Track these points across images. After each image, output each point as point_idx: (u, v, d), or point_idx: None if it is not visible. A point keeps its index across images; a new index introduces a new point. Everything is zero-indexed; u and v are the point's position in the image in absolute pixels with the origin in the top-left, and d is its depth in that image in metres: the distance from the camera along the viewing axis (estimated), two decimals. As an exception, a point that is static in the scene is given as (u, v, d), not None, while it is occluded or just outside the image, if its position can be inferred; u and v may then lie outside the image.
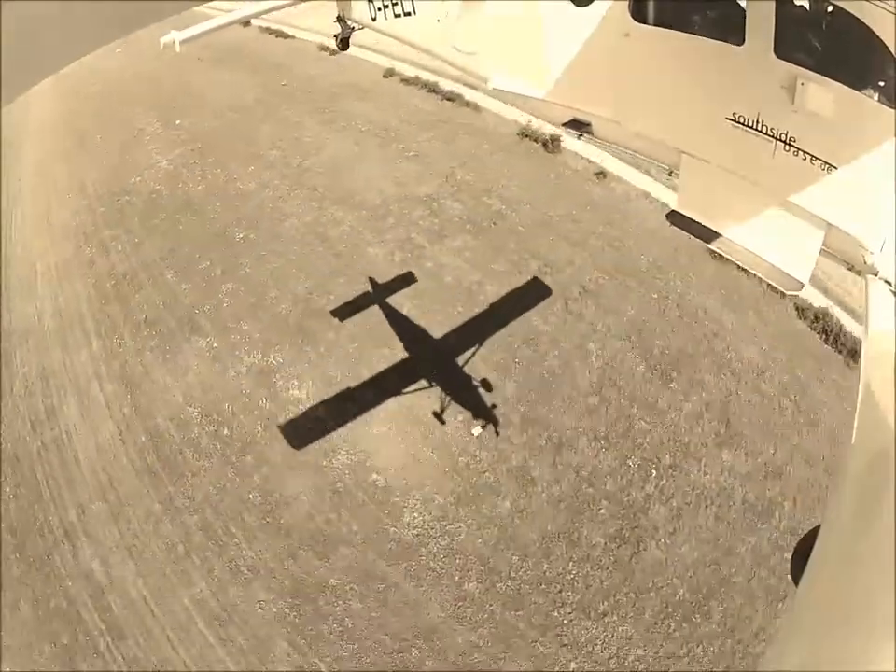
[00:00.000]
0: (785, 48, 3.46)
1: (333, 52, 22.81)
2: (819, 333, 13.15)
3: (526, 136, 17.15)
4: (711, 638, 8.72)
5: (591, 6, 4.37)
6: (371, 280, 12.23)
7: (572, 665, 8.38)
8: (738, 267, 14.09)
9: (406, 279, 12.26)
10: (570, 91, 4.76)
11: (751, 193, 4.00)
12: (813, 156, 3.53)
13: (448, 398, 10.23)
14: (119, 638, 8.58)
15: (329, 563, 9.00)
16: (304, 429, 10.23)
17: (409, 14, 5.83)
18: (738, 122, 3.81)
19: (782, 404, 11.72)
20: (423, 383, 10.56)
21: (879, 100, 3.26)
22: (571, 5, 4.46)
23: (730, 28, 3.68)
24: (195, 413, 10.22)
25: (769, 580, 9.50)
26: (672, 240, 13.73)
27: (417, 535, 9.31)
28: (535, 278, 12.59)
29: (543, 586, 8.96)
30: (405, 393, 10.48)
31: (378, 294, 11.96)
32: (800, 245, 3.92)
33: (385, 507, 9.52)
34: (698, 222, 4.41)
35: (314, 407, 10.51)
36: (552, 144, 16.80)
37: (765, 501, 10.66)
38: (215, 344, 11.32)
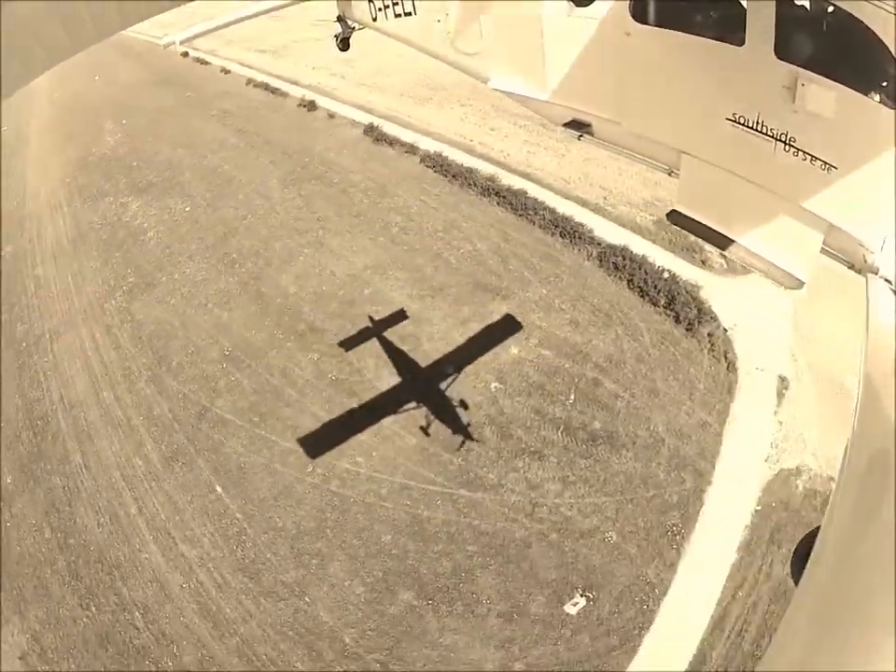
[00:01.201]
0: (785, 48, 3.48)
1: (227, 72, 37.47)
2: (430, 168, 23.93)
3: (301, 106, 31.04)
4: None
5: (591, 6, 4.45)
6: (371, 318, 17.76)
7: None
8: (389, 144, 27.69)
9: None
10: (571, 92, 4.86)
11: (752, 193, 4.02)
12: (813, 156, 3.54)
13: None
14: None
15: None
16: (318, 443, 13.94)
17: (409, 14, 6.06)
18: (738, 123, 3.82)
19: (356, 196, 23.29)
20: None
21: (880, 100, 3.28)
22: (572, 5, 4.55)
23: (730, 28, 3.70)
24: (96, 220, 24.81)
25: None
26: (344, 137, 26.89)
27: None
28: (507, 314, 16.79)
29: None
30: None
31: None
32: (800, 244, 3.94)
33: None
34: (698, 221, 4.48)
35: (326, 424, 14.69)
36: (310, 105, 30.63)
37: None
38: (111, 199, 26.02)
